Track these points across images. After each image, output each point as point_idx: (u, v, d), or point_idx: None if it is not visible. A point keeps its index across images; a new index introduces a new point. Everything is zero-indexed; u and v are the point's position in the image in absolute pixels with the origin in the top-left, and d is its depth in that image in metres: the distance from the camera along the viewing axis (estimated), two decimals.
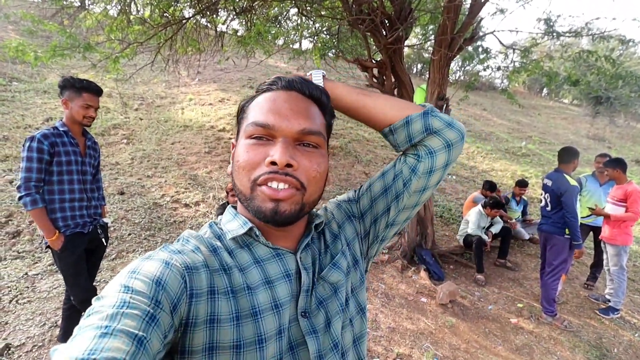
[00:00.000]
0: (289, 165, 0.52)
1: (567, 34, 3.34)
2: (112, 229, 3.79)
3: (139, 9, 4.81)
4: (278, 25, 6.82)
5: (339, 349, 0.61)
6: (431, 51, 3.74)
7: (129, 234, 3.83)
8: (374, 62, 3.93)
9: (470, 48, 4.35)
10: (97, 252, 2.36)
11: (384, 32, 3.61)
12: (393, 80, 4.03)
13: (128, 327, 0.40)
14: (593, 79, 4.72)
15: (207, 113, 7.68)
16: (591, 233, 4.08)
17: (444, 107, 3.81)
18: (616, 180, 3.53)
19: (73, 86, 2.04)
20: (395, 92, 4.19)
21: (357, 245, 0.72)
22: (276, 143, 0.54)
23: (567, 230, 3.21)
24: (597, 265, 4.11)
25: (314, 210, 0.68)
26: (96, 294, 2.20)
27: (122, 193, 4.48)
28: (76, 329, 0.41)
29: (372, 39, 3.85)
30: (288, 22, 7.38)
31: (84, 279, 2.18)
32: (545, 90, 26.35)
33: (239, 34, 5.87)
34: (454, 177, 7.36)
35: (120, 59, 4.12)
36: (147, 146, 5.89)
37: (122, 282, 0.46)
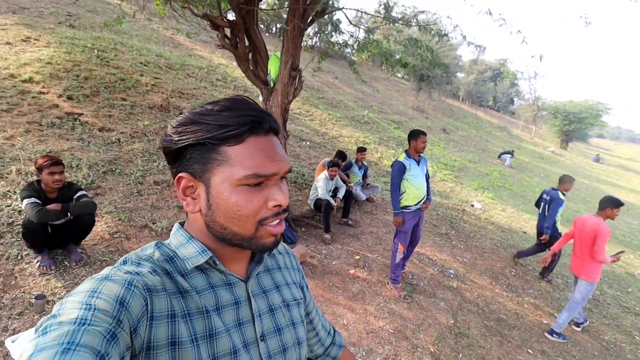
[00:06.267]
0: None
1: (400, 22, 3.79)
2: None
3: None
4: None
5: None
6: (285, 20, 3.68)
7: None
8: (225, 20, 3.62)
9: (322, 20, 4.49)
10: None
11: None
12: (247, 43, 3.84)
13: (91, 344, 0.40)
14: (417, 64, 5.60)
15: (4, 56, 5.79)
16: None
17: (298, 77, 3.88)
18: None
19: None
20: (250, 57, 4.01)
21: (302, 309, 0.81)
22: (271, 186, 0.57)
23: (400, 204, 3.53)
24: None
25: None
26: None
27: None
28: (31, 348, 0.39)
29: None
30: None
31: None
32: (384, 65, 30.20)
33: None
34: (307, 143, 7.79)
35: None
36: None
37: (82, 300, 0.45)
